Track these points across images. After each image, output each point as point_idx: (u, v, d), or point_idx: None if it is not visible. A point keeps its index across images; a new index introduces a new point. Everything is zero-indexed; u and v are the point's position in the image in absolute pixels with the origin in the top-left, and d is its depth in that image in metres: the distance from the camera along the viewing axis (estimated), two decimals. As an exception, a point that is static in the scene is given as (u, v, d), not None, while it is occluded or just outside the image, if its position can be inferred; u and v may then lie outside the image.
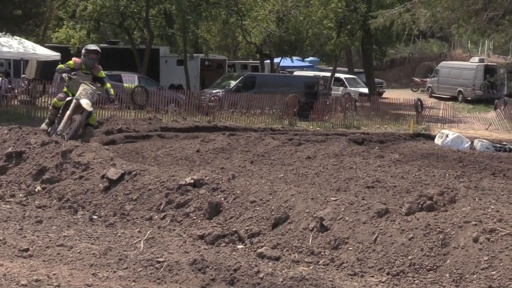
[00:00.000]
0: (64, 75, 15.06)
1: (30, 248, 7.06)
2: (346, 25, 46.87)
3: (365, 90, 49.15)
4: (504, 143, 24.40)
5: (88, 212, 9.54)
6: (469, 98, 52.98)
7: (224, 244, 8.11)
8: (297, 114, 32.96)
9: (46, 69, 35.01)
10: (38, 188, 10.64)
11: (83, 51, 15.25)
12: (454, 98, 53.43)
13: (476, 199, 10.31)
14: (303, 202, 8.53)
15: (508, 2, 25.08)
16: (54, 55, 34.96)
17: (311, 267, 7.31)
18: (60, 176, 10.71)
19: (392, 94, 50.44)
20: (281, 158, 15.18)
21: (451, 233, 7.22)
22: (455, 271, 6.82)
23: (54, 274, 6.23)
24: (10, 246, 7.10)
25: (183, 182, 9.50)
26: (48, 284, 5.90)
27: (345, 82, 52.05)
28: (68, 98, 14.50)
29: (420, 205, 8.07)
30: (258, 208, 8.70)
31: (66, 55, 35.72)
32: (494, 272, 6.62)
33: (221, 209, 8.94)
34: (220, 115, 31.03)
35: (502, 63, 56.93)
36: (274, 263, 7.35)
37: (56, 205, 9.94)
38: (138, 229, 8.59)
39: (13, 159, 11.48)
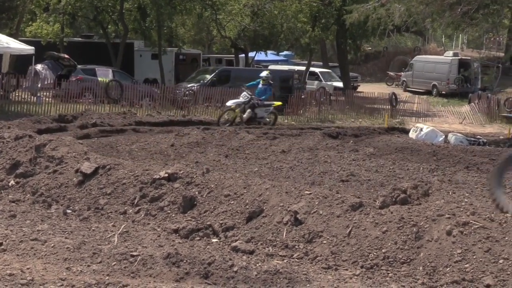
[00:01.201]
0: None
1: (4, 243, 7.03)
2: (320, 19, 46.88)
3: (339, 84, 49.20)
4: (478, 136, 24.57)
5: (62, 206, 9.50)
6: (443, 92, 53.20)
7: (198, 238, 8.11)
8: (272, 108, 32.91)
9: (20, 63, 34.80)
10: (12, 182, 10.58)
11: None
12: (428, 92, 53.62)
13: (450, 193, 10.40)
14: (277, 195, 8.55)
15: (481, -4, 25.24)
16: (28, 49, 34.71)
17: (285, 261, 7.32)
18: (34, 170, 10.66)
19: (366, 88, 50.53)
20: (255, 152, 15.19)
21: (425, 226, 7.26)
22: (428, 264, 6.86)
23: (27, 268, 6.20)
24: (-17, 241, 7.07)
25: (157, 176, 9.48)
26: (22, 278, 5.87)
27: (320, 76, 52.07)
28: None
29: (394, 199, 8.11)
30: (232, 202, 8.71)
31: (39, 49, 35.51)
32: (467, 265, 6.67)
33: (195, 203, 8.93)
34: (194, 109, 30.97)
35: (476, 57, 57.18)
36: (248, 257, 7.36)
37: (30, 199, 9.89)
38: (112, 223, 8.58)
39: (-14, 153, 11.40)
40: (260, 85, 24.54)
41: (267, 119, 24.29)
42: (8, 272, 5.99)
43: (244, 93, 23.85)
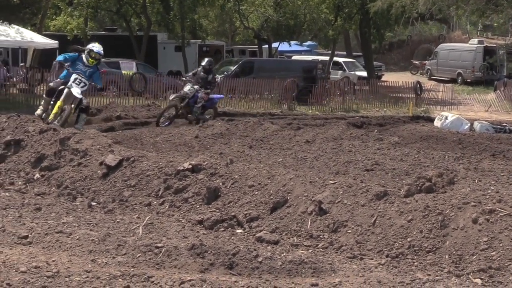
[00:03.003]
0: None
1: (29, 235, 7.06)
2: (343, 9, 46.77)
3: (363, 73, 49.07)
4: (504, 124, 24.38)
5: (87, 198, 9.54)
6: (468, 80, 52.88)
7: (222, 229, 8.11)
8: (295, 99, 32.89)
9: (44, 57, 34.95)
10: (37, 175, 10.63)
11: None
12: (453, 80, 53.34)
13: (476, 181, 10.32)
14: (301, 185, 8.52)
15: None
16: (52, 43, 34.90)
17: (310, 251, 7.31)
18: (58, 164, 10.70)
19: (391, 77, 50.36)
20: (279, 143, 15.16)
21: (450, 215, 7.21)
22: (454, 252, 6.82)
23: (53, 261, 6.22)
24: (9, 234, 7.10)
25: (181, 168, 9.48)
26: (47, 271, 5.89)
27: (344, 66, 51.93)
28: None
29: (419, 187, 8.06)
30: (256, 193, 8.70)
31: (64, 43, 35.66)
32: (493, 253, 6.62)
33: (219, 194, 8.93)
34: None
35: (501, 44, 56.78)
36: (273, 247, 7.34)
37: (55, 192, 9.93)
38: (137, 215, 8.60)
39: (12, 147, 11.46)
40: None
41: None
42: (34, 265, 6.02)
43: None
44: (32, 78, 29.11)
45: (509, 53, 54.00)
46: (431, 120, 24.58)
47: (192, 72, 21.97)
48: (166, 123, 19.49)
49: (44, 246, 6.84)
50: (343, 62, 52.81)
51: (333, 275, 6.38)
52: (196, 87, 20.29)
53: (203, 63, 21.29)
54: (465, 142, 16.67)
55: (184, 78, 21.48)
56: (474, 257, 6.68)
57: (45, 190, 10.08)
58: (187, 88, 20.42)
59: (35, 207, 8.76)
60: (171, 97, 20.90)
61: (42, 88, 28.61)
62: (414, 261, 6.88)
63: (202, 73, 20.90)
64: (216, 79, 22.53)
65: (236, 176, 9.15)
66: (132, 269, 6.15)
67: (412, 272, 6.59)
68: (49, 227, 7.42)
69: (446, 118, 22.54)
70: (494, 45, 55.86)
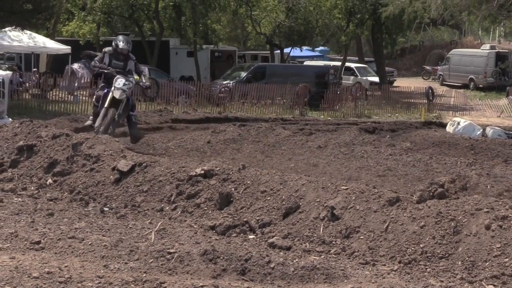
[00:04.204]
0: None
1: (42, 241, 7.07)
2: (355, 14, 46.79)
3: (375, 79, 49.06)
4: (517, 130, 24.31)
5: (99, 204, 9.55)
6: (480, 86, 52.76)
7: (235, 235, 8.10)
8: (308, 104, 32.95)
9: (57, 62, 35.09)
10: (50, 181, 10.65)
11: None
12: (465, 86, 53.26)
13: (488, 186, 10.29)
14: (313, 191, 8.51)
15: (518, -12, 25.00)
16: (65, 48, 35.03)
17: (322, 256, 7.29)
18: (71, 169, 10.72)
19: (403, 83, 50.31)
20: (292, 148, 15.16)
21: (463, 221, 7.18)
22: (467, 258, 6.79)
23: (65, 266, 6.23)
24: (22, 239, 7.11)
25: (194, 173, 9.48)
26: (60, 276, 5.90)
27: (356, 71, 51.93)
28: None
29: (431, 193, 8.03)
30: (268, 198, 8.69)
31: (76, 48, 35.81)
32: (506, 260, 6.59)
33: (231, 199, 8.92)
34: (230, 106, 31.06)
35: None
36: (285, 253, 7.33)
37: (67, 198, 9.95)
38: (149, 220, 8.60)
39: (25, 152, 11.50)
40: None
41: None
42: (46, 270, 6.02)
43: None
44: (45, 84, 29.23)
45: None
46: (443, 125, 24.50)
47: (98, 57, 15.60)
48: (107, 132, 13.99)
49: (57, 251, 6.84)
50: (355, 67, 52.81)
51: (345, 281, 6.37)
52: (132, 79, 15.04)
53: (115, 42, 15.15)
54: (478, 148, 16.63)
55: (95, 67, 15.22)
56: (487, 263, 6.65)
57: (57, 196, 10.10)
58: (121, 83, 14.71)
59: (47, 212, 8.77)
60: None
61: (54, 94, 28.75)
62: (426, 267, 6.86)
63: (115, 60, 15.24)
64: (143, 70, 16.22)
65: (248, 182, 9.14)
66: (144, 275, 6.15)
67: (425, 279, 6.56)
68: (61, 233, 7.43)
69: (458, 123, 22.48)
70: (506, 50, 55.69)
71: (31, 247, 6.91)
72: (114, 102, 14.51)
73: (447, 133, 21.14)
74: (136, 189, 9.66)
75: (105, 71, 14.93)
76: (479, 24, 50.86)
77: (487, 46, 55.72)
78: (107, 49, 15.28)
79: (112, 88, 14.58)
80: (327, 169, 12.65)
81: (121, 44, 15.03)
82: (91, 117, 15.36)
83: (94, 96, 15.60)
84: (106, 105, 14.45)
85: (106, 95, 14.67)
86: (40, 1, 31.70)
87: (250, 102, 32.03)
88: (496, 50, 54.08)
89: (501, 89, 48.98)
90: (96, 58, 15.63)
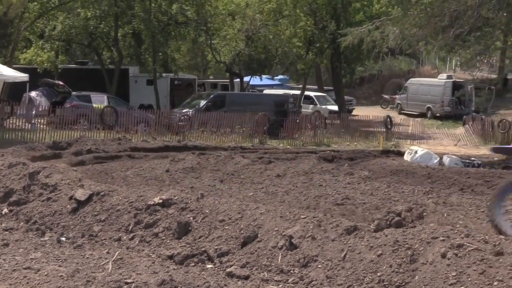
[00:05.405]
0: None
1: (-4, 272, 6.99)
2: (315, 43, 47.15)
3: (334, 107, 49.41)
4: (473, 158, 24.55)
5: (56, 234, 9.46)
6: (437, 114, 53.35)
7: (193, 264, 8.07)
8: (267, 133, 33.01)
9: (15, 90, 34.80)
10: (5, 210, 10.54)
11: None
12: (423, 115, 53.84)
13: (445, 215, 10.39)
14: (272, 220, 8.52)
15: (473, 19, 25.41)
16: (22, 76, 34.74)
17: (280, 286, 7.29)
18: (27, 198, 10.63)
19: (362, 111, 50.67)
20: (251, 177, 15.18)
21: (420, 249, 7.23)
22: (423, 287, 6.83)
23: (20, 298, 6.17)
24: (-24, 270, 7.03)
25: (152, 202, 9.45)
26: (15, 308, 5.84)
27: (315, 100, 52.22)
28: None
29: (388, 222, 8.08)
30: (227, 227, 8.67)
31: (34, 76, 35.56)
32: None
33: (190, 228, 8.90)
34: (190, 135, 31.01)
35: (470, 79, 57.42)
36: (243, 282, 7.32)
37: (23, 228, 9.85)
38: (107, 250, 8.53)
39: (-20, 182, 11.37)
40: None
41: None
42: (0, 301, 5.96)
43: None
44: (2, 112, 28.96)
45: (477, 88, 54.58)
46: (401, 154, 24.68)
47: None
48: None
49: (11, 282, 6.76)
50: (314, 96, 53.13)
51: (303, 310, 6.37)
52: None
53: None
54: (435, 176, 16.76)
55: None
56: (443, 291, 6.69)
57: (13, 225, 9.99)
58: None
59: (2, 242, 8.67)
60: None
61: (11, 122, 28.48)
62: (384, 296, 6.88)
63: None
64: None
65: (207, 211, 9.13)
66: (101, 305, 6.11)
67: (382, 307, 6.59)
68: (16, 263, 7.35)
69: (416, 152, 22.66)
70: (463, 80, 56.45)
71: (-14, 278, 6.83)
72: None
73: (404, 162, 21.28)
74: (94, 218, 9.60)
75: None
76: (436, 54, 51.55)
77: (444, 75, 56.42)
78: None
79: None
80: (286, 197, 12.68)
81: None
82: None
83: None
84: None
85: None
86: (-3, 28, 31.52)
87: (209, 131, 32.03)
88: (453, 80, 54.80)
89: (458, 118, 49.55)
90: None
